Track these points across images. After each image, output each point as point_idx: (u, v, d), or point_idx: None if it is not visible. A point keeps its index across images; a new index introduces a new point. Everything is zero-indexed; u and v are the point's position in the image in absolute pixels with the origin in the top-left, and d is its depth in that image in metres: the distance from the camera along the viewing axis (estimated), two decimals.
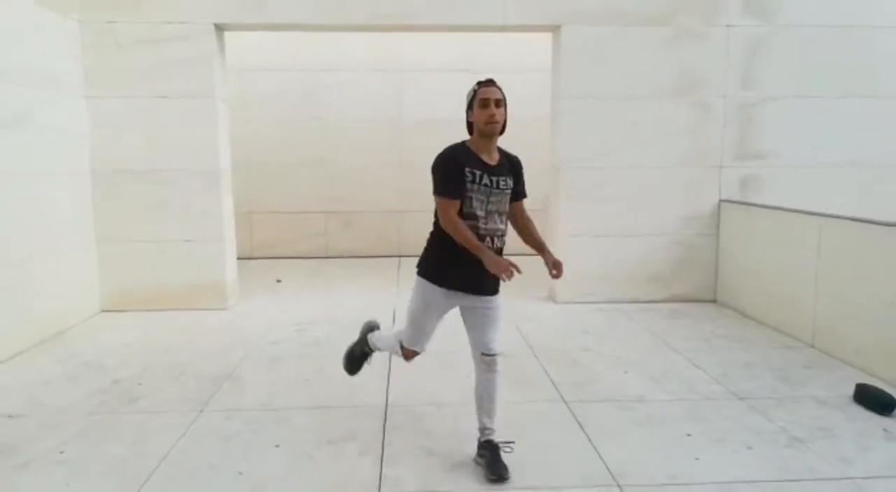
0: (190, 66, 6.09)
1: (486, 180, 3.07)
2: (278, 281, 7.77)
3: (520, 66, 9.15)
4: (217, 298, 6.30)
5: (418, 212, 9.50)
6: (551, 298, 6.72)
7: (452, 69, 9.29)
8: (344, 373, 3.96)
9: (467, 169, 3.05)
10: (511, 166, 3.27)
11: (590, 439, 3.46)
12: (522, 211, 3.45)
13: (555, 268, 3.32)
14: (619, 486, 2.98)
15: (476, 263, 3.01)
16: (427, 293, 3.19)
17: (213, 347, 5.10)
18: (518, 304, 6.52)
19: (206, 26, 6.08)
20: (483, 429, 3.23)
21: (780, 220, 5.61)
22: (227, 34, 6.47)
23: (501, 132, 3.19)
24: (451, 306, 3.25)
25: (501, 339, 3.30)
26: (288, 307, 6.46)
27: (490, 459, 3.10)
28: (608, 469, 3.14)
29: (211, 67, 6.14)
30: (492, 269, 2.94)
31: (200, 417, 3.77)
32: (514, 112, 9.47)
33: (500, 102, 3.11)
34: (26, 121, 5.12)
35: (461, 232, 3.00)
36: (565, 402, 3.99)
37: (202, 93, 6.15)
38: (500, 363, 3.25)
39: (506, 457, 3.14)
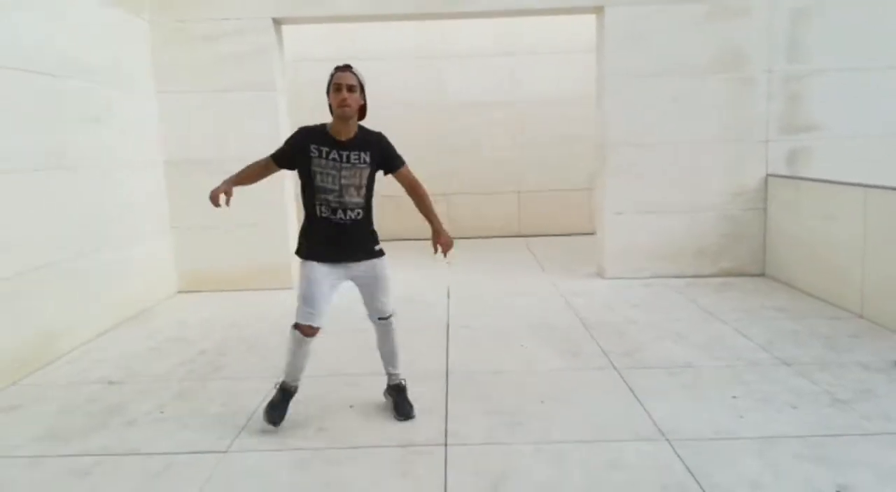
0: (250, 60, 6.46)
1: (334, 155, 3.30)
2: None
3: (566, 47, 9.31)
4: (281, 278, 6.70)
5: (463, 194, 9.79)
6: (599, 274, 6.92)
7: (495, 54, 9.51)
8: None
9: (313, 146, 3.31)
10: (368, 142, 3.42)
11: (639, 401, 3.71)
12: (408, 180, 3.65)
13: (440, 245, 3.66)
14: (667, 440, 3.23)
15: (329, 236, 3.36)
16: (304, 268, 3.44)
17: (282, 323, 5.45)
18: (567, 280, 6.77)
19: (265, 21, 6.43)
20: (389, 375, 3.69)
21: (826, 192, 5.70)
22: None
23: (361, 117, 3.44)
24: (335, 277, 3.48)
25: (393, 300, 3.70)
26: (345, 286, 6.81)
27: (396, 399, 3.59)
28: (657, 426, 3.38)
29: (270, 60, 6.50)
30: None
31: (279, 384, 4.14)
32: (559, 92, 9.71)
33: (354, 88, 3.29)
34: (107, 116, 5.56)
35: (239, 173, 3.54)
36: (615, 368, 4.23)
37: (262, 85, 6.52)
38: (395, 322, 3.68)
39: (556, 413, 3.43)
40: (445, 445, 3.25)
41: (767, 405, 3.59)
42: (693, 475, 2.89)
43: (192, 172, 6.56)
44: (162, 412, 3.75)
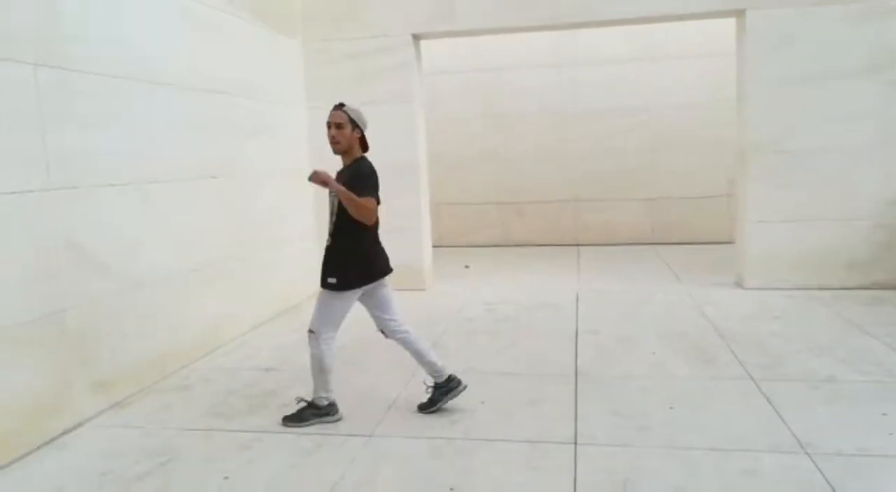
0: (391, 75, 6.85)
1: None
2: (466, 267, 8.41)
3: (700, 50, 9.07)
4: (416, 280, 7.03)
5: (595, 201, 9.74)
6: (738, 284, 6.68)
7: (629, 59, 9.41)
8: (529, 347, 4.31)
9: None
10: (344, 175, 3.61)
11: (778, 413, 3.60)
12: None
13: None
14: (807, 454, 3.13)
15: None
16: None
17: (419, 322, 5.71)
18: (702, 289, 6.60)
19: (405, 38, 6.81)
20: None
21: None
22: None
23: (365, 148, 3.68)
24: None
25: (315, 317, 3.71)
26: (477, 289, 7.04)
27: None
28: (796, 439, 3.28)
29: (409, 74, 6.86)
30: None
31: (414, 378, 4.37)
32: (693, 96, 9.43)
33: (342, 125, 3.54)
34: (267, 130, 6.11)
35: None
36: (752, 379, 4.12)
37: (402, 98, 6.88)
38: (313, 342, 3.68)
39: (686, 419, 3.45)
40: (575, 444, 3.34)
41: None
42: (833, 488, 2.80)
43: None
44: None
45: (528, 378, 4.32)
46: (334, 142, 3.61)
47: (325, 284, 3.63)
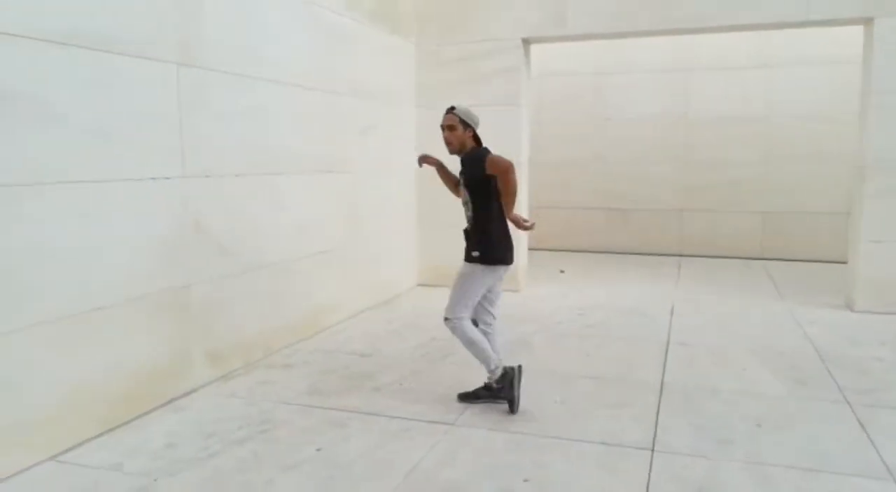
0: (500, 77, 7.01)
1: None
2: (562, 272, 8.44)
3: (826, 58, 8.64)
4: (510, 281, 7.07)
5: (703, 211, 9.50)
6: (848, 306, 6.37)
7: (745, 66, 9.11)
8: (616, 353, 4.35)
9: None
10: (465, 163, 3.89)
11: (870, 438, 3.48)
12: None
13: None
14: (894, 481, 3.03)
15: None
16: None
17: (511, 321, 5.90)
18: (806, 308, 6.36)
19: (515, 41, 6.94)
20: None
21: None
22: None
23: (461, 150, 3.87)
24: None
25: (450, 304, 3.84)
26: (570, 294, 7.08)
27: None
28: (885, 466, 3.18)
29: (518, 77, 6.99)
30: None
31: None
32: (814, 107, 9.00)
33: (453, 127, 3.83)
34: (372, 127, 6.43)
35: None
36: (848, 403, 3.98)
37: (509, 100, 7.03)
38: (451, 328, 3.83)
39: (771, 437, 3.44)
40: (652, 450, 3.38)
41: None
42: None
43: (439, 178, 7.27)
44: (401, 385, 4.34)
45: (611, 383, 4.37)
46: (447, 143, 3.90)
47: (469, 258, 3.87)
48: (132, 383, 3.76)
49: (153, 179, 3.84)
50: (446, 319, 3.85)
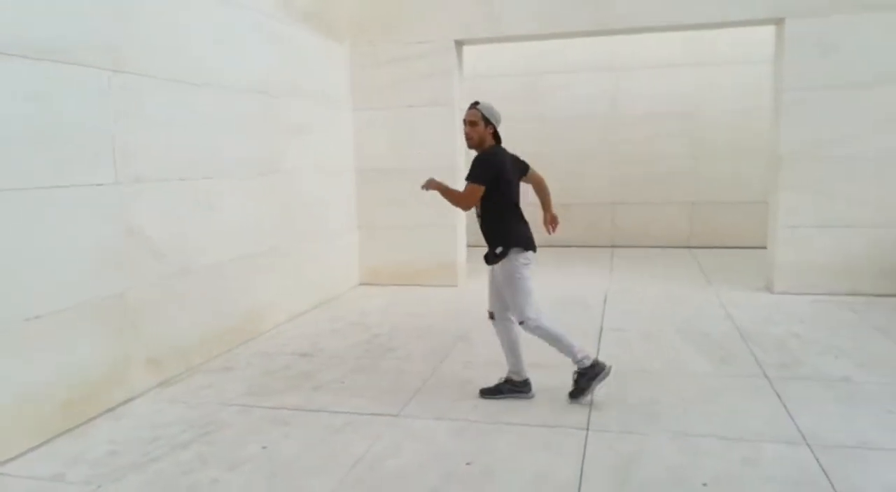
0: (433, 79, 7.13)
1: None
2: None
3: (747, 58, 9.09)
4: (450, 276, 7.29)
5: (635, 204, 9.84)
6: (767, 288, 6.75)
7: (672, 64, 9.50)
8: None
9: None
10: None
11: (786, 408, 3.74)
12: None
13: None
14: (808, 445, 3.27)
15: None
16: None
17: (448, 315, 6.04)
18: (731, 292, 6.70)
19: (448, 43, 7.07)
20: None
21: None
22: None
23: (480, 145, 3.95)
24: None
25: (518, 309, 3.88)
26: None
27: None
28: (800, 432, 3.42)
29: (450, 79, 7.12)
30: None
31: (442, 365, 4.66)
32: (739, 103, 9.43)
33: (475, 123, 3.90)
34: (308, 129, 6.44)
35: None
36: (767, 378, 4.25)
37: (442, 101, 7.15)
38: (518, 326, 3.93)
39: (696, 411, 3.62)
40: (587, 429, 3.54)
41: None
42: (828, 477, 2.95)
43: (377, 178, 7.36)
44: (343, 382, 4.40)
45: (549, 369, 4.49)
46: (468, 138, 3.96)
47: (492, 260, 3.91)
48: (72, 392, 3.70)
49: (86, 185, 3.79)
50: (521, 323, 3.88)
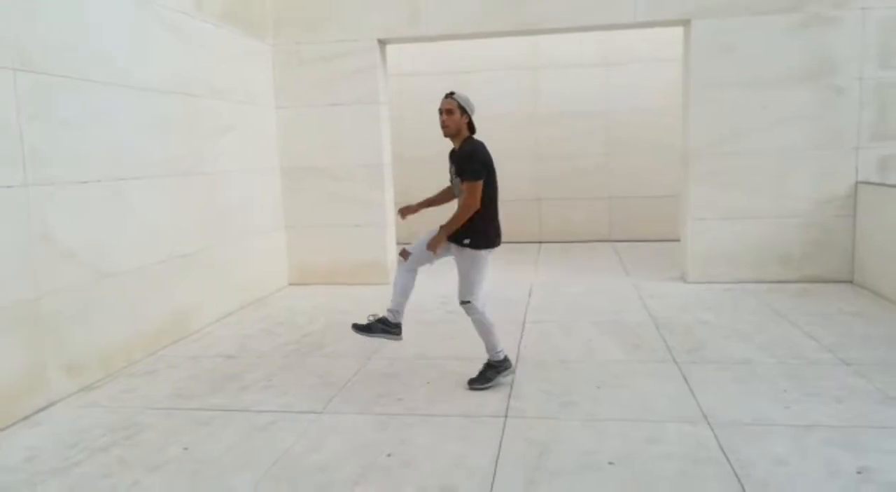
0: (357, 77, 7.18)
1: (449, 165, 4.26)
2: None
3: (660, 56, 9.47)
4: (380, 274, 7.35)
5: (556, 199, 10.13)
6: (682, 278, 7.10)
7: (588, 64, 9.83)
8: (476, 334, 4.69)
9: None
10: (456, 155, 4.19)
11: (691, 390, 3.99)
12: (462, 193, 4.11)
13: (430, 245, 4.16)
14: (708, 423, 3.52)
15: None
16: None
17: (378, 313, 6.09)
18: (648, 283, 7.01)
19: (371, 42, 7.13)
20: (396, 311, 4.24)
21: None
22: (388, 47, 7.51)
23: (472, 130, 4.21)
24: (446, 249, 4.26)
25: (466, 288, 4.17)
26: (434, 284, 7.35)
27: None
28: (702, 411, 3.67)
29: (375, 77, 7.18)
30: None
31: (369, 362, 4.74)
32: (652, 101, 9.81)
33: (452, 111, 4.10)
34: (233, 129, 6.40)
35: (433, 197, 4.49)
36: (675, 362, 4.51)
37: (368, 99, 7.21)
38: (472, 311, 4.12)
39: (608, 396, 3.83)
40: (505, 417, 3.70)
41: (815, 399, 3.78)
42: (724, 451, 3.19)
43: (304, 177, 7.37)
44: (269, 381, 4.42)
45: (472, 361, 4.64)
46: (444, 126, 4.12)
47: (461, 243, 4.07)
48: None
49: None
50: (465, 302, 4.06)
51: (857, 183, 6.55)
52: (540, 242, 10.11)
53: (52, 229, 4.10)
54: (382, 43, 7.26)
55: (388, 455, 3.29)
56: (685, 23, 6.79)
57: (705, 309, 5.87)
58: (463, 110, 4.10)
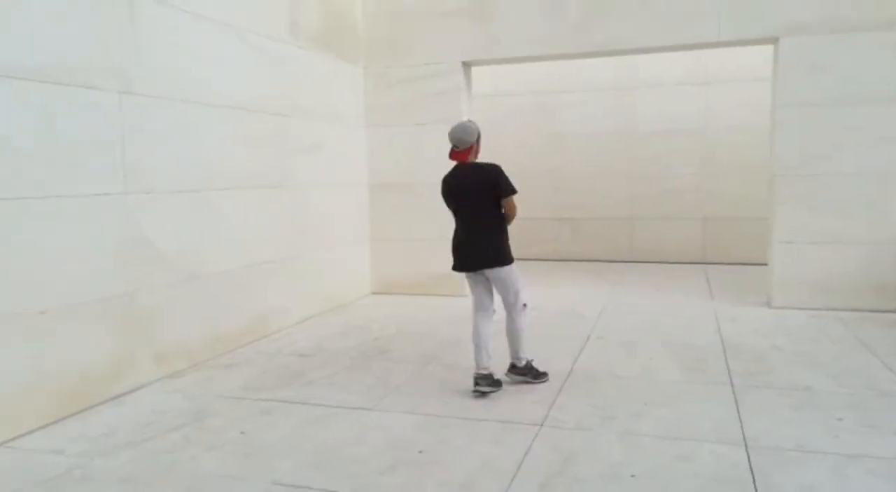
0: (442, 98, 7.49)
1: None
2: None
3: (760, 75, 9.16)
4: (456, 287, 7.56)
5: (649, 219, 9.97)
6: (767, 303, 6.82)
7: (687, 82, 9.66)
8: (540, 346, 4.79)
9: None
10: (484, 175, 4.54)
11: (738, 413, 3.90)
12: None
13: None
14: (745, 447, 3.44)
15: None
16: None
17: (447, 322, 6.31)
18: (730, 307, 6.81)
19: (455, 64, 7.43)
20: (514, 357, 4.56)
21: None
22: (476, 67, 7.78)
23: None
24: None
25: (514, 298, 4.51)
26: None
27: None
28: (743, 434, 3.59)
29: (458, 98, 7.46)
30: None
31: (427, 367, 4.96)
32: (750, 121, 9.43)
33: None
34: (320, 147, 6.86)
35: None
36: (732, 385, 4.40)
37: (450, 119, 7.46)
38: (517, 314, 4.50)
39: (652, 413, 3.86)
40: (541, 426, 3.78)
41: (870, 430, 3.60)
42: (752, 474, 3.13)
43: (389, 193, 7.74)
44: (332, 379, 4.74)
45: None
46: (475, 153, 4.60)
47: (507, 262, 4.42)
48: (79, 381, 4.14)
49: (97, 195, 4.25)
50: (524, 305, 4.48)
51: None
52: (629, 262, 9.98)
53: (146, 233, 4.63)
54: (467, 65, 7.54)
55: (420, 452, 3.47)
56: (774, 41, 6.59)
57: (784, 335, 5.63)
58: (478, 138, 4.54)
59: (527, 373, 4.52)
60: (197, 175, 5.13)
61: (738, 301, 7.06)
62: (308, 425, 3.88)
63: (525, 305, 4.48)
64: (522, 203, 11.36)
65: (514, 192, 4.37)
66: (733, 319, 6.24)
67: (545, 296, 7.56)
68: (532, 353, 4.60)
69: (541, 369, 4.58)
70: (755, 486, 3.03)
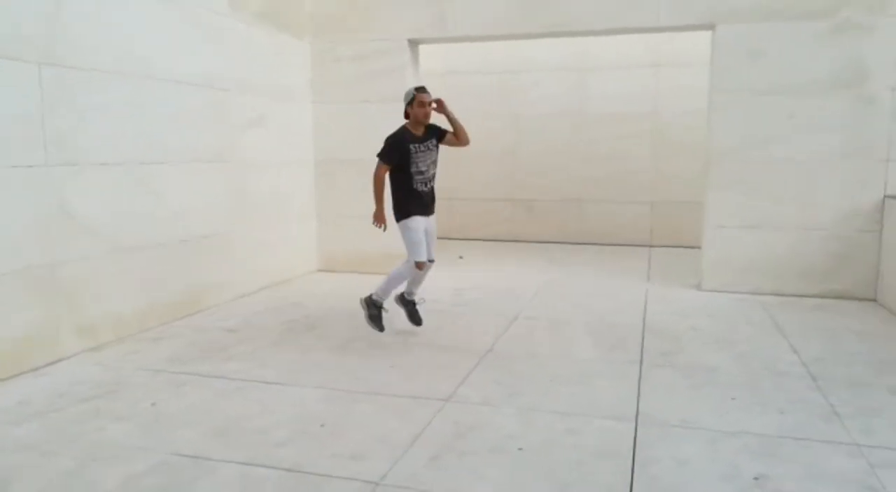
0: (388, 76, 7.50)
1: (422, 147, 4.99)
2: (460, 257, 8.98)
3: (704, 60, 9.27)
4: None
5: (600, 201, 10.11)
6: (697, 286, 7.00)
7: (638, 65, 9.75)
8: (467, 325, 4.91)
9: (412, 146, 4.95)
10: (431, 131, 5.09)
11: (639, 391, 4.05)
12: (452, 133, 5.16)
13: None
14: (634, 422, 3.59)
15: (422, 201, 5.05)
16: (414, 223, 5.00)
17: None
18: (663, 289, 6.97)
19: (402, 42, 7.43)
20: (409, 293, 5.33)
21: None
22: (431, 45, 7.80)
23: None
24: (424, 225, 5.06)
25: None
26: (457, 277, 7.61)
27: (410, 311, 5.33)
28: (637, 411, 3.74)
29: (404, 75, 7.48)
30: (374, 218, 5.11)
31: (350, 344, 5.05)
32: (693, 105, 9.56)
33: (431, 102, 4.99)
34: (263, 122, 6.86)
35: (377, 185, 5.00)
36: (641, 364, 4.56)
37: (397, 97, 7.48)
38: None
39: (556, 390, 3.96)
40: (446, 400, 3.90)
41: (758, 408, 3.77)
42: (634, 448, 3.27)
43: (335, 169, 7.77)
44: (254, 353, 4.81)
45: (447, 350, 4.88)
46: (428, 115, 5.05)
47: (396, 218, 5.14)
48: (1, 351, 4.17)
49: (15, 167, 4.24)
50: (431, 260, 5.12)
51: (885, 197, 6.27)
52: (579, 244, 10.15)
53: (69, 205, 4.63)
54: (413, 43, 7.55)
55: (322, 425, 3.57)
56: (711, 27, 6.69)
57: (705, 317, 5.81)
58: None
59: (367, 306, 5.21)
60: (134, 148, 5.14)
61: (671, 283, 7.24)
62: (220, 398, 3.96)
63: (409, 261, 5.09)
64: (477, 183, 11.54)
65: (379, 156, 5.02)
66: (661, 301, 6.41)
67: (488, 276, 7.69)
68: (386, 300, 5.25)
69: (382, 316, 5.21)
70: (633, 458, 3.17)
